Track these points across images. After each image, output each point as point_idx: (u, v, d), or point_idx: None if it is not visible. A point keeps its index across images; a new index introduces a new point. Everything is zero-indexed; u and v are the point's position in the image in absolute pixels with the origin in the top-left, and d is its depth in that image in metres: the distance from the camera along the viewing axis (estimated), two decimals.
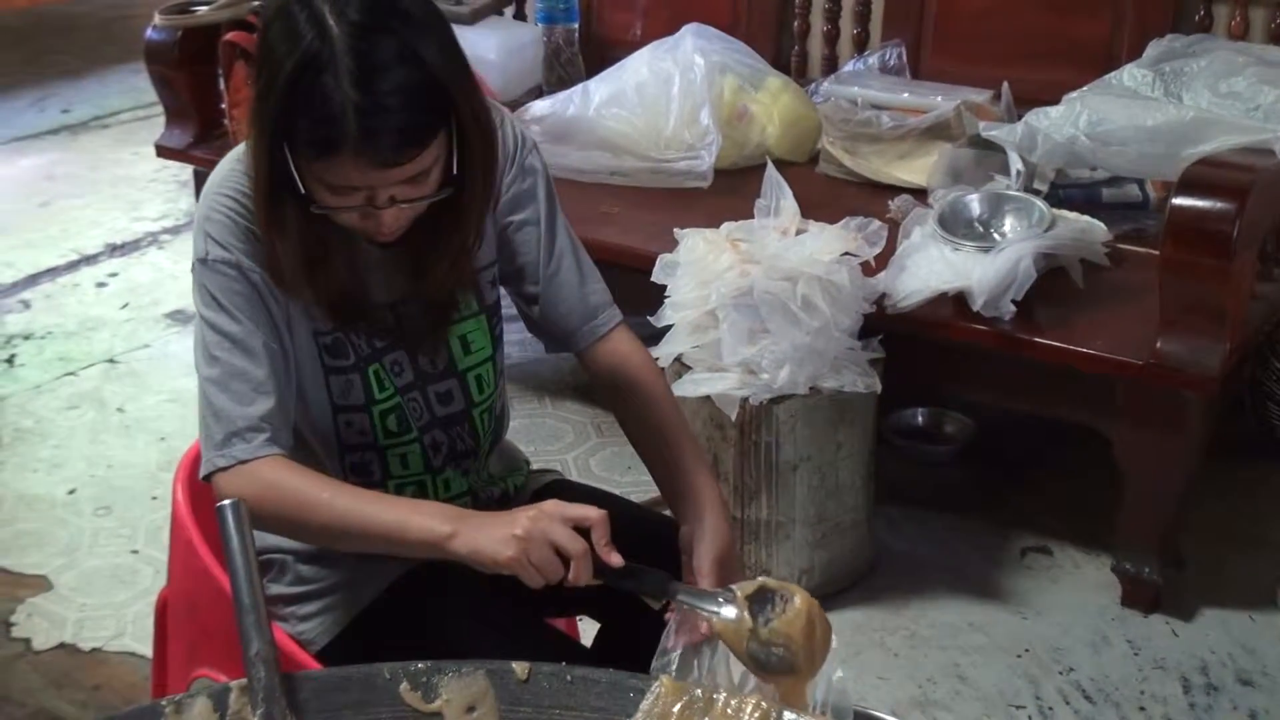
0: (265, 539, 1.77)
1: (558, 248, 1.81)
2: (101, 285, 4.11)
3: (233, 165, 1.66)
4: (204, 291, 1.63)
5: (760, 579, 1.53)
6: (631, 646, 1.63)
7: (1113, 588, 2.66)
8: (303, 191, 1.53)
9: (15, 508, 3.01)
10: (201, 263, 1.63)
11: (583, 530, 1.48)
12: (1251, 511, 2.87)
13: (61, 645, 2.58)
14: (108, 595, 2.71)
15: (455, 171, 1.57)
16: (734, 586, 1.50)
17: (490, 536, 1.48)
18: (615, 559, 1.48)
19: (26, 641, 2.58)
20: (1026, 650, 2.53)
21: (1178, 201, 2.41)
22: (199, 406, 1.63)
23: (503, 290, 1.85)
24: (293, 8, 1.49)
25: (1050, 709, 2.39)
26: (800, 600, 1.52)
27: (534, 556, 1.46)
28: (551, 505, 1.50)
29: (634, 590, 1.52)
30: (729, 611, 1.46)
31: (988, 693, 2.42)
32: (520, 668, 1.37)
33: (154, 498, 3.02)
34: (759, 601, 1.49)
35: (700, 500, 1.73)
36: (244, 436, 1.59)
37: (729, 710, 1.34)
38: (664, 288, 2.55)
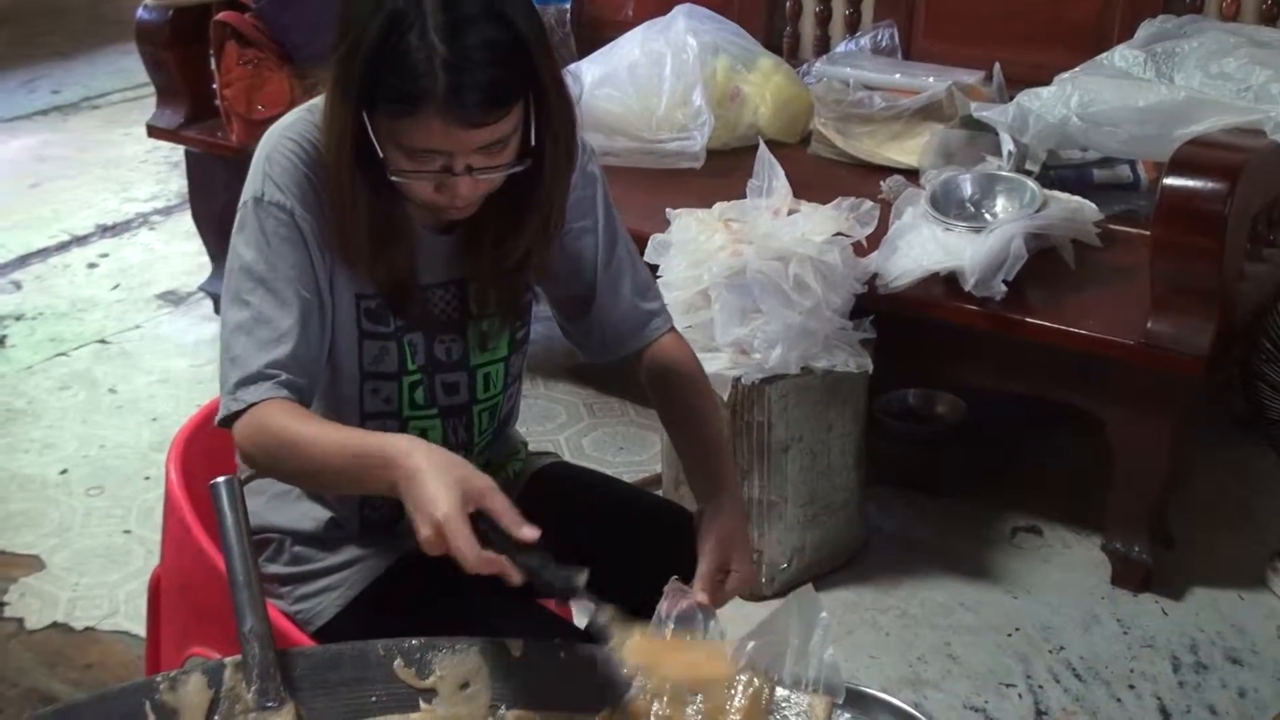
0: (262, 519, 1.79)
1: (617, 256, 1.81)
2: (92, 266, 4.12)
3: (302, 114, 1.65)
4: (250, 231, 1.61)
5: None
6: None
7: (1103, 567, 2.68)
8: (380, 155, 1.53)
9: (8, 488, 3.02)
10: (256, 201, 1.60)
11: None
12: (1241, 491, 2.89)
13: (54, 625, 2.58)
14: (101, 575, 2.72)
15: (534, 143, 1.57)
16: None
17: (420, 502, 1.38)
18: (524, 533, 1.37)
19: (19, 621, 2.59)
20: (1017, 629, 2.55)
21: (1169, 182, 2.41)
22: (221, 344, 1.61)
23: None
24: None
25: (1040, 687, 2.41)
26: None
27: (430, 547, 1.38)
28: (445, 515, 1.36)
29: (540, 575, 1.40)
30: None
31: (978, 671, 2.44)
32: (514, 645, 1.40)
33: (146, 478, 3.03)
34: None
35: (721, 484, 1.75)
36: (255, 381, 1.56)
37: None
38: (656, 267, 2.55)
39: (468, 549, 1.32)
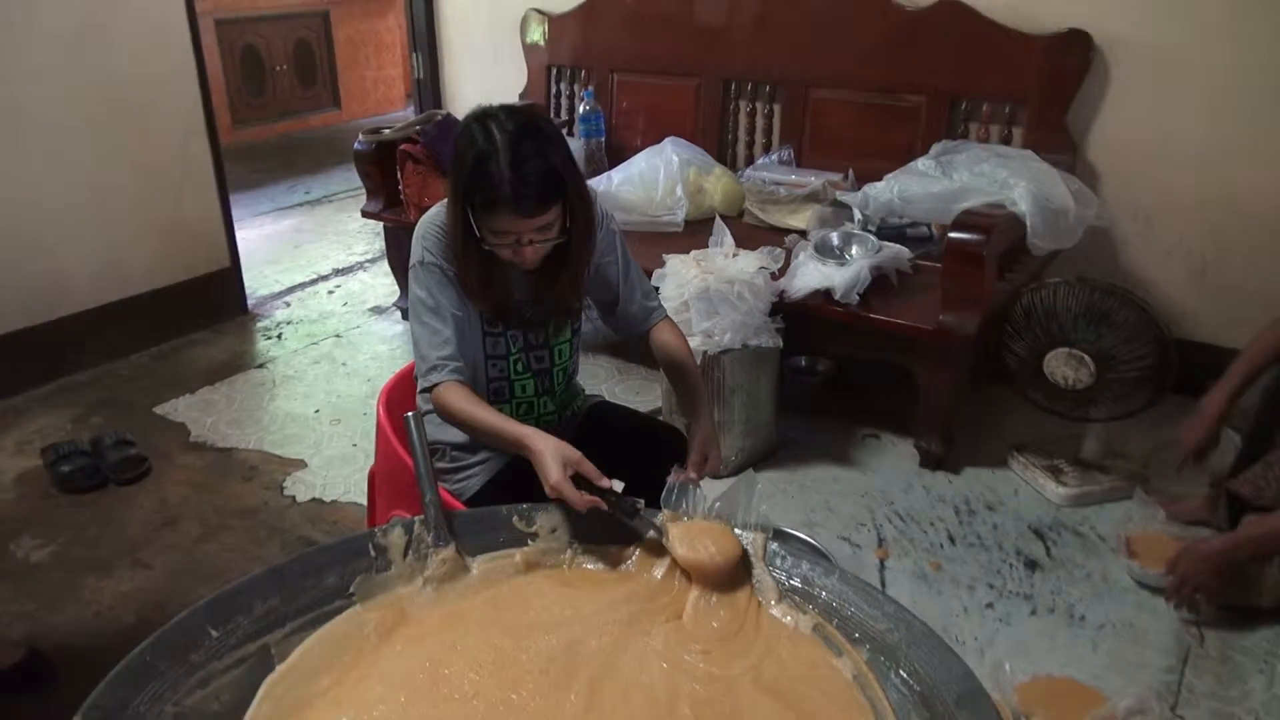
0: (432, 435, 1.79)
1: (630, 276, 1.80)
2: (330, 292, 4.11)
3: (438, 210, 1.66)
4: (419, 280, 1.63)
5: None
6: (643, 495, 1.66)
7: (914, 456, 2.68)
8: (478, 235, 1.55)
9: (284, 421, 3.02)
10: (420, 264, 1.63)
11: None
12: (993, 413, 2.89)
13: (313, 499, 2.59)
14: (339, 470, 2.72)
15: (568, 225, 1.58)
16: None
17: (541, 465, 1.42)
18: (605, 483, 1.41)
19: (293, 497, 2.60)
20: (866, 493, 2.55)
21: (952, 235, 2.41)
22: (413, 350, 1.65)
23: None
24: (473, 127, 1.52)
25: (880, 525, 2.41)
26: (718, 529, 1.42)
27: (551, 495, 1.41)
28: (556, 480, 1.38)
29: (616, 507, 1.40)
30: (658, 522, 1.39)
31: (845, 517, 2.45)
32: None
33: (364, 414, 3.03)
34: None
35: (699, 410, 1.75)
36: (435, 369, 1.61)
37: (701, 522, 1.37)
38: (658, 288, 2.54)
39: (573, 498, 1.37)
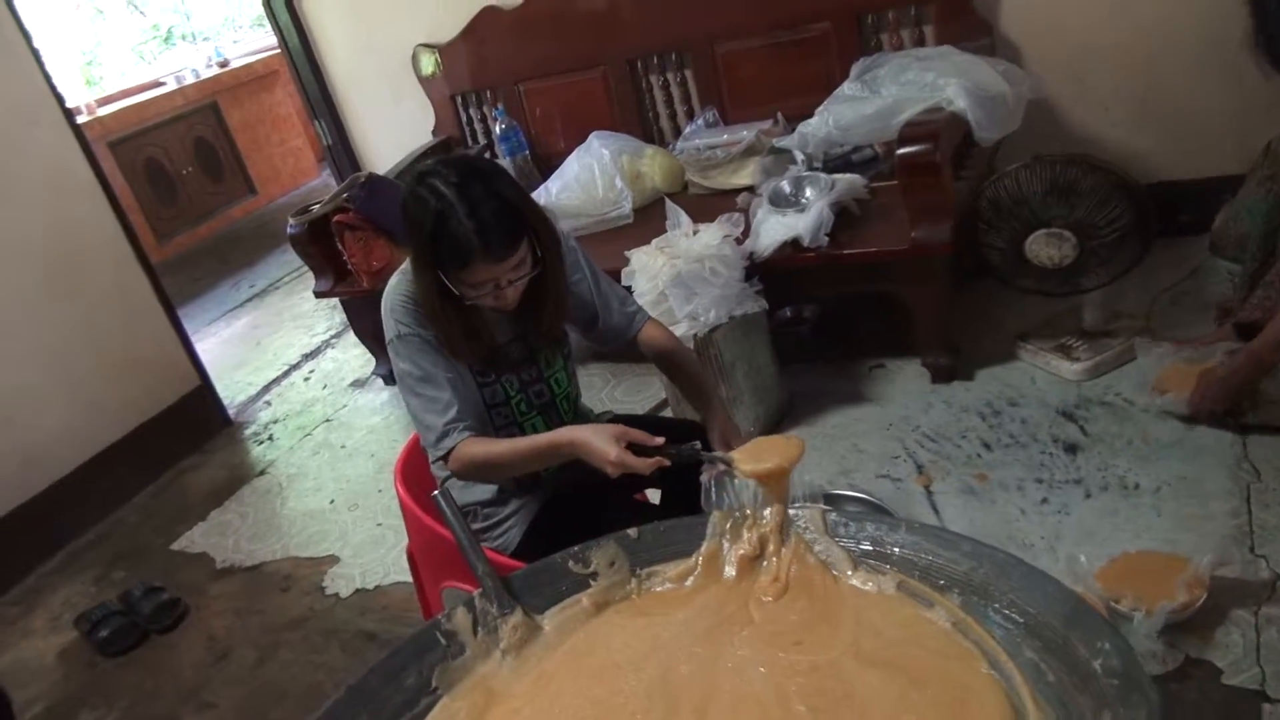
0: (461, 498, 1.77)
1: (602, 289, 1.78)
2: (306, 379, 4.05)
3: (400, 278, 1.64)
4: (401, 355, 1.61)
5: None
6: (681, 499, 1.65)
7: (925, 375, 2.67)
8: (457, 293, 1.52)
9: (303, 521, 2.98)
10: (398, 338, 1.61)
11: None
12: (988, 309, 2.87)
13: (357, 590, 2.55)
14: (372, 554, 2.69)
15: (539, 254, 1.56)
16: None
17: (595, 452, 1.45)
18: (656, 440, 1.45)
19: (337, 594, 2.56)
20: (890, 425, 2.53)
21: (901, 151, 2.38)
22: (414, 423, 1.63)
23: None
24: (418, 190, 1.49)
25: (913, 452, 2.40)
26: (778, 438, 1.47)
27: (615, 471, 1.45)
28: (617, 455, 1.44)
29: (676, 457, 1.47)
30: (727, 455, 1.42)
31: (878, 454, 2.43)
32: (633, 532, 1.36)
33: (379, 490, 2.98)
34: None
35: (709, 400, 1.74)
36: (446, 435, 1.59)
37: (757, 515, 1.34)
38: (630, 286, 2.51)
39: (638, 464, 1.42)
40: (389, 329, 1.62)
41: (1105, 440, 2.23)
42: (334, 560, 2.71)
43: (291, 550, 2.82)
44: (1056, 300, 2.66)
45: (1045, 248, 2.35)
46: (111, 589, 2.85)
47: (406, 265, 1.64)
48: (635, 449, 1.44)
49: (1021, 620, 1.09)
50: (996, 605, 1.12)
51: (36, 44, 3.28)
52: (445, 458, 1.59)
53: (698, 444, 1.42)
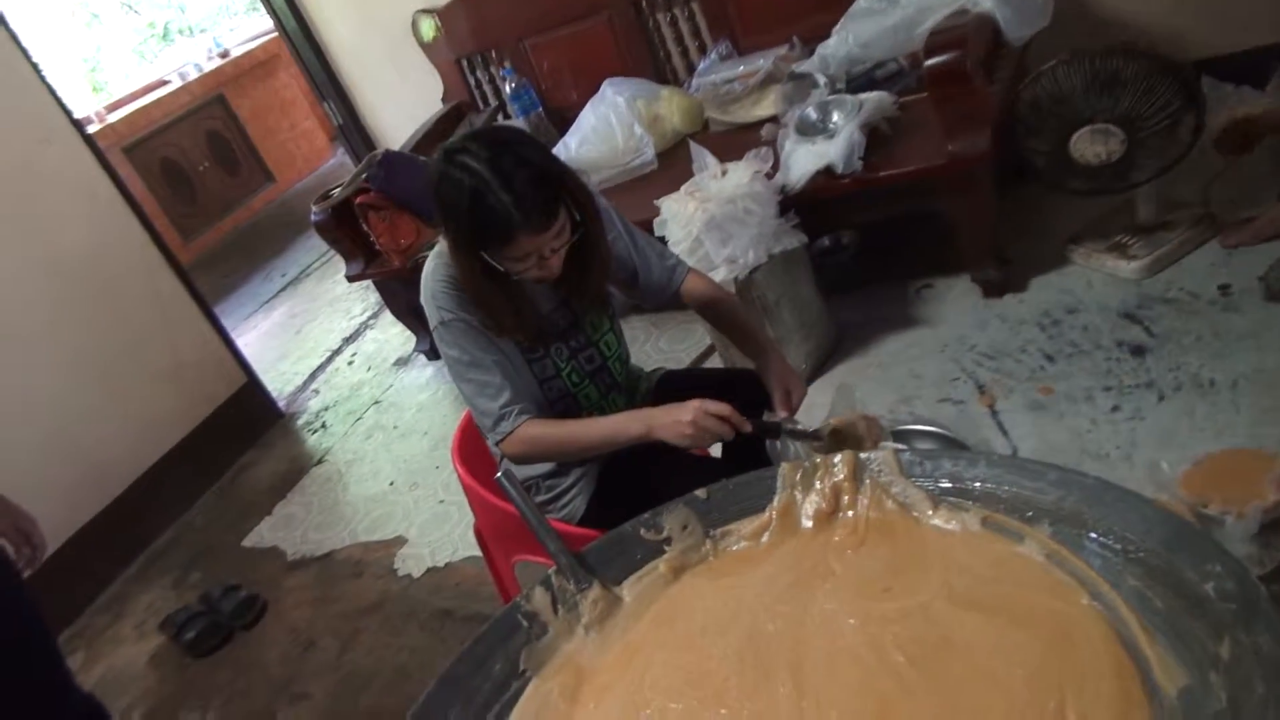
0: (522, 473, 1.76)
1: (639, 244, 1.75)
2: (350, 363, 4.08)
3: (436, 262, 1.61)
4: (447, 341, 1.59)
5: (832, 421, 1.50)
6: (743, 450, 1.62)
7: (976, 291, 2.60)
8: (501, 270, 1.49)
9: (366, 506, 3.01)
10: (442, 325, 1.58)
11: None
12: (1034, 215, 2.79)
13: (428, 570, 2.58)
14: (439, 531, 2.71)
15: (578, 218, 1.52)
16: (820, 427, 1.47)
17: (670, 429, 1.48)
18: (747, 426, 1.47)
19: (409, 576, 2.60)
20: (945, 346, 2.48)
21: (929, 62, 2.29)
22: (469, 408, 1.62)
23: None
24: (448, 169, 1.45)
25: (973, 372, 2.36)
26: (859, 421, 1.49)
27: (700, 440, 1.48)
28: (699, 404, 1.47)
29: (761, 434, 1.49)
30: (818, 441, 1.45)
31: (936, 378, 2.39)
32: (702, 493, 1.34)
33: (436, 467, 3.01)
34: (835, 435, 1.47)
35: (762, 346, 1.71)
36: (502, 419, 1.57)
37: (827, 463, 1.31)
38: (664, 237, 2.47)
39: (727, 412, 1.45)
40: (432, 316, 1.60)
41: (1173, 338, 2.15)
42: (402, 541, 2.73)
43: (359, 535, 2.85)
44: (1107, 198, 2.56)
45: (1091, 145, 2.25)
46: (190, 591, 2.91)
47: (440, 248, 1.60)
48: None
49: (1120, 547, 1.05)
50: (1091, 534, 1.09)
51: (37, 59, 3.26)
52: (504, 441, 1.58)
53: (782, 414, 1.40)
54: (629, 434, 1.52)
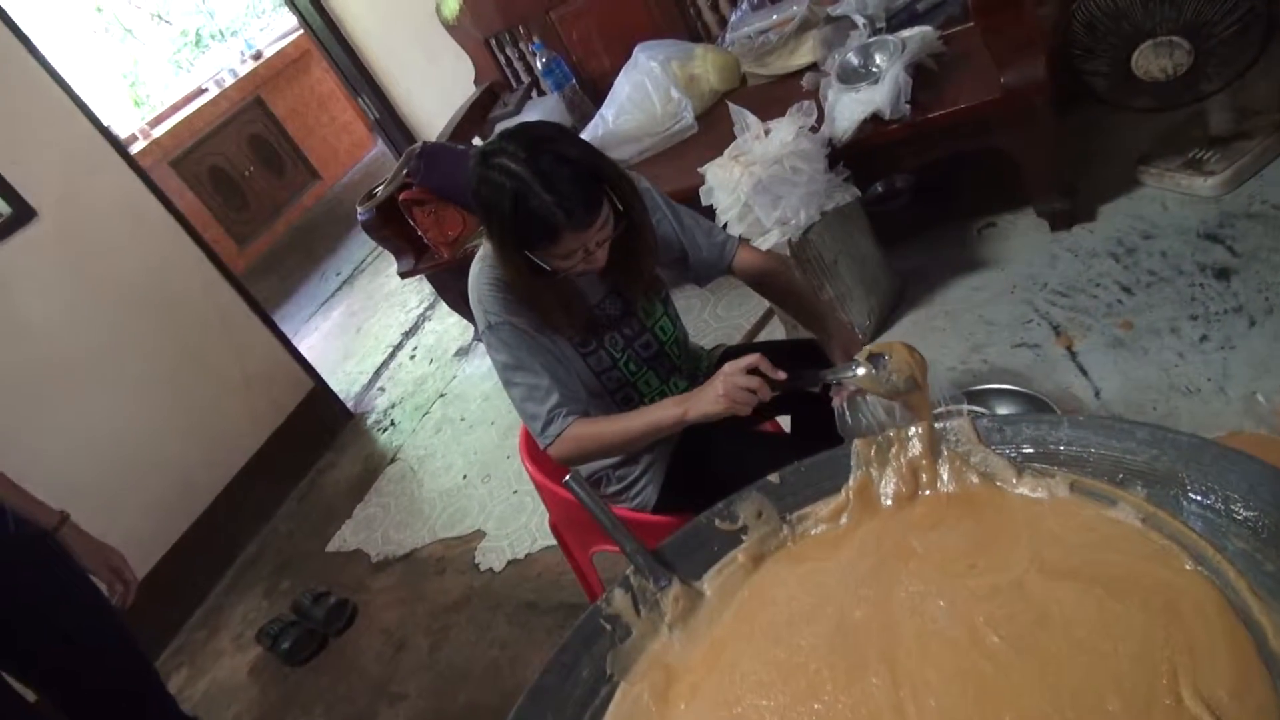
0: (591, 464, 1.76)
1: (685, 223, 1.72)
2: (412, 357, 4.12)
3: (481, 265, 1.61)
4: (495, 345, 1.58)
5: (866, 348, 1.41)
6: (813, 425, 1.60)
7: (1042, 225, 2.51)
8: (548, 269, 1.49)
9: (442, 501, 3.05)
10: (489, 329, 1.58)
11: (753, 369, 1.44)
12: (1097, 139, 2.68)
13: (509, 562, 2.61)
14: (516, 522, 2.73)
15: (621, 209, 1.50)
16: (855, 356, 1.40)
17: (704, 401, 1.46)
18: (780, 374, 1.43)
19: (491, 569, 2.63)
20: (1014, 287, 2.41)
21: None
22: (518, 412, 1.61)
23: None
24: (486, 172, 1.43)
25: (1046, 313, 2.28)
26: (897, 345, 1.39)
27: (735, 399, 1.43)
28: (727, 367, 1.45)
29: (799, 387, 1.46)
30: (861, 370, 1.37)
31: (1008, 322, 2.32)
32: (774, 477, 1.32)
33: (507, 458, 3.03)
34: (873, 359, 1.38)
35: (822, 317, 1.68)
36: (550, 422, 1.57)
37: (902, 436, 1.29)
38: (711, 207, 2.42)
39: (754, 363, 1.42)
40: (479, 320, 1.60)
41: (1260, 257, 2.05)
42: (480, 535, 2.77)
43: (438, 532, 2.89)
44: (1175, 113, 2.43)
45: (1155, 60, 2.14)
46: (281, 599, 3.00)
47: (485, 250, 1.60)
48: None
49: (1222, 507, 1.00)
50: (1190, 494, 1.04)
51: (78, 82, 3.32)
52: (553, 443, 1.58)
53: (823, 371, 1.36)
54: (669, 419, 1.50)
